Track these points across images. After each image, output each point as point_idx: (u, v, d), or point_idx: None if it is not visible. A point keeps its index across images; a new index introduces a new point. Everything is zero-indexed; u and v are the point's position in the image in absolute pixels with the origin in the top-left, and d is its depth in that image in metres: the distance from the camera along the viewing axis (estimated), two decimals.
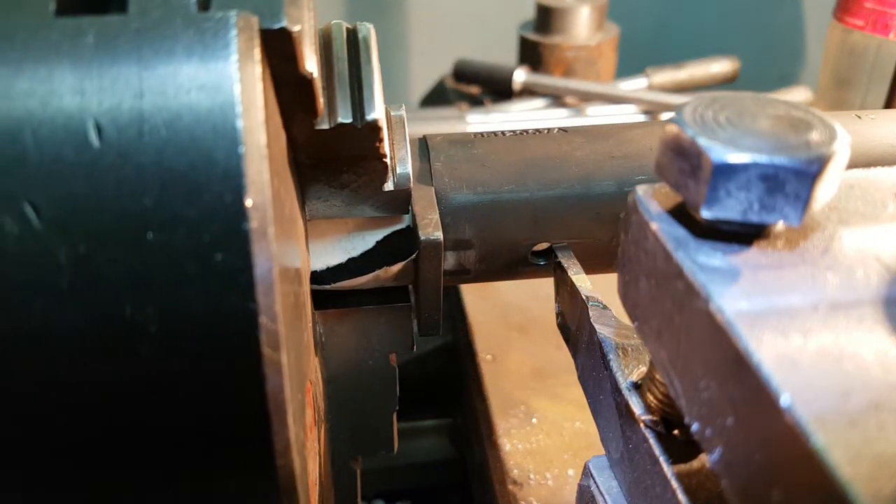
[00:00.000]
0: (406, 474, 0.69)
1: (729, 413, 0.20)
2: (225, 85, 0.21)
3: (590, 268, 0.39)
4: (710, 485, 0.26)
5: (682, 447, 0.27)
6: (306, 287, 0.35)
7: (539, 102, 0.82)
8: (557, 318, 0.38)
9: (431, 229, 0.35)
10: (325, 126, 0.31)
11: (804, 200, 0.21)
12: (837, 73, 0.76)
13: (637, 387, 0.29)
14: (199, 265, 0.21)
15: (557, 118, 0.80)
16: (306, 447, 0.28)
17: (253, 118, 0.21)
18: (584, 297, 0.34)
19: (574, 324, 0.35)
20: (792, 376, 0.18)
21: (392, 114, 0.36)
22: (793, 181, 0.21)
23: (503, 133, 0.40)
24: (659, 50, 1.07)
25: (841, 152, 0.21)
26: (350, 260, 0.37)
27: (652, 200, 0.24)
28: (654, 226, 0.24)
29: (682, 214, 0.24)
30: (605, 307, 0.33)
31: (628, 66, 0.90)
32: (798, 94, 0.85)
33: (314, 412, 0.33)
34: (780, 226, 0.23)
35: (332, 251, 0.37)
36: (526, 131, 0.40)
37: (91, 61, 0.21)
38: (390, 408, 0.41)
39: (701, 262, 0.22)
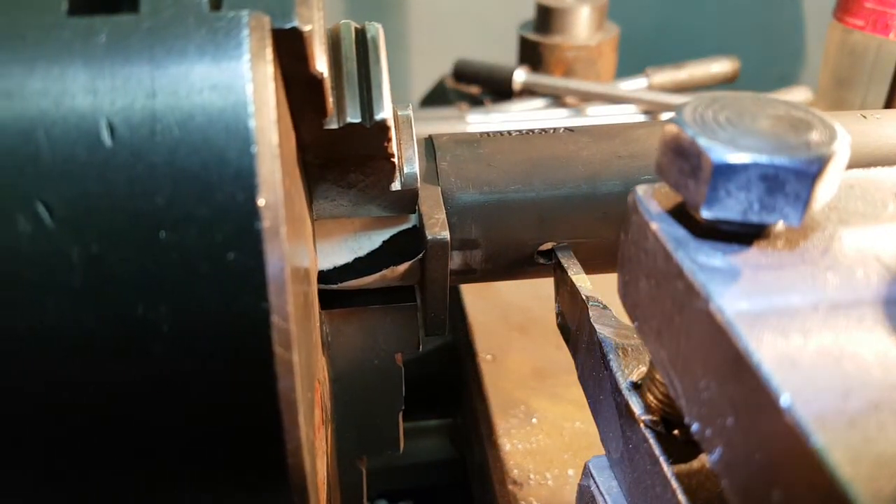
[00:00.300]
0: (406, 474, 0.69)
1: (729, 413, 0.20)
2: (237, 84, 0.21)
3: (596, 267, 0.39)
4: (710, 485, 0.26)
5: (682, 447, 0.27)
6: (314, 286, 0.35)
7: (539, 102, 0.82)
8: (557, 318, 0.38)
9: (438, 229, 0.35)
10: (334, 126, 0.31)
11: (804, 200, 0.21)
12: (837, 73, 0.76)
13: (637, 387, 0.29)
14: (211, 264, 0.21)
15: (557, 118, 0.80)
16: (315, 446, 0.28)
17: (265, 118, 0.21)
18: (584, 297, 0.34)
19: (574, 324, 0.35)
20: (792, 376, 0.18)
21: (399, 113, 0.36)
22: (793, 181, 0.21)
23: (509, 133, 0.40)
24: (659, 50, 1.07)
25: (841, 152, 0.21)
26: (356, 259, 0.37)
27: (652, 200, 0.24)
28: (654, 226, 0.24)
29: (682, 214, 0.24)
30: (605, 307, 0.33)
31: (628, 66, 0.90)
32: (798, 94, 0.85)
33: (322, 411, 0.33)
34: (780, 226, 0.23)
35: (339, 251, 0.37)
36: (532, 131, 0.40)
37: (103, 61, 0.21)
38: (396, 407, 0.41)
39: (701, 262, 0.22)
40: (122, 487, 0.23)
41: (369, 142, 0.32)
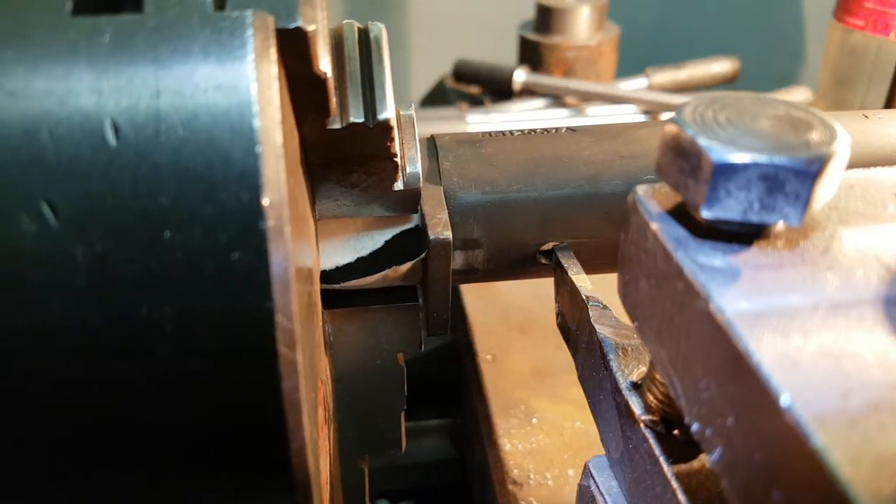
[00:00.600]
0: (406, 474, 0.69)
1: (729, 413, 0.20)
2: (242, 84, 0.21)
3: (598, 267, 0.39)
4: (710, 485, 0.26)
5: (682, 447, 0.27)
6: (317, 286, 0.35)
7: (539, 102, 0.82)
8: (557, 318, 0.38)
9: (441, 229, 0.35)
10: (337, 126, 0.31)
11: (804, 200, 0.21)
12: (837, 73, 0.76)
13: (637, 387, 0.29)
14: (215, 264, 0.21)
15: (557, 118, 0.80)
16: (318, 446, 0.28)
17: (269, 117, 0.21)
18: (584, 297, 0.34)
19: (574, 324, 0.35)
20: (792, 376, 0.18)
21: (402, 113, 0.36)
22: (793, 181, 0.21)
23: (511, 133, 0.40)
24: (659, 50, 1.07)
25: (841, 152, 0.21)
26: (359, 259, 0.37)
27: (652, 200, 0.24)
28: (654, 226, 0.24)
29: (682, 214, 0.24)
30: (605, 307, 0.33)
31: (628, 66, 0.90)
32: (798, 94, 0.85)
33: (325, 411, 0.33)
34: (780, 226, 0.23)
35: (342, 250, 0.37)
36: (534, 131, 0.40)
37: (108, 60, 0.21)
38: (398, 407, 0.41)
39: (701, 262, 0.22)
40: (126, 488, 0.23)
41: (372, 142, 0.32)
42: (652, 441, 0.27)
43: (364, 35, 0.32)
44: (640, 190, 0.25)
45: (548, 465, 0.51)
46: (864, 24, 0.72)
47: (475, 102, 0.85)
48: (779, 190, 0.21)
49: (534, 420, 0.54)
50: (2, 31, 0.21)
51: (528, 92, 0.83)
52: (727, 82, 0.89)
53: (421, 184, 0.35)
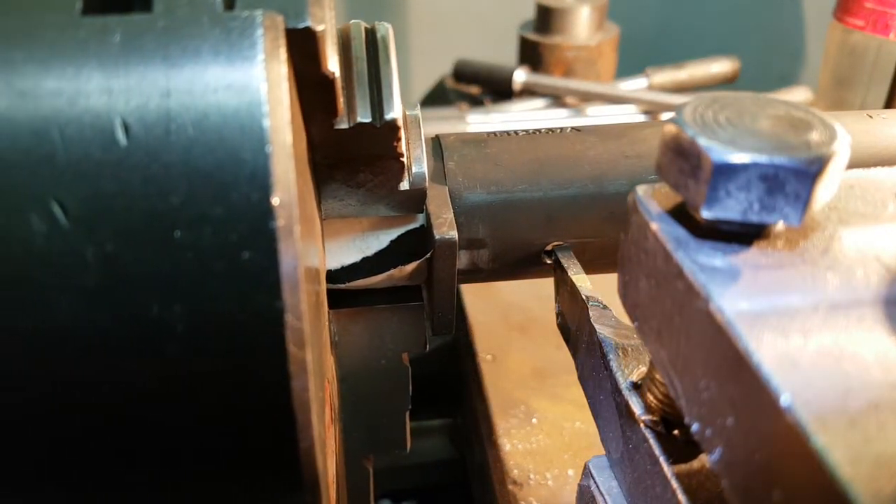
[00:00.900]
0: (406, 475, 0.69)
1: (729, 413, 0.20)
2: (252, 84, 0.21)
3: (603, 267, 0.39)
4: (710, 485, 0.26)
5: (682, 447, 0.27)
6: (324, 286, 0.35)
7: (539, 102, 0.82)
8: (557, 318, 0.38)
9: (446, 229, 0.35)
10: (345, 125, 0.31)
11: (804, 200, 0.21)
12: (837, 73, 0.76)
13: (637, 387, 0.29)
14: (226, 264, 0.21)
15: (558, 118, 0.80)
16: (326, 445, 0.28)
17: (279, 117, 0.21)
18: (584, 297, 0.34)
19: (574, 324, 0.35)
20: (792, 376, 0.18)
21: (408, 113, 0.36)
22: (793, 181, 0.21)
23: (516, 132, 0.40)
24: (659, 50, 1.07)
25: (841, 152, 0.21)
26: (364, 259, 0.37)
27: (652, 200, 0.24)
28: (654, 226, 0.24)
29: (682, 214, 0.24)
30: (605, 307, 0.33)
31: (628, 66, 0.90)
32: (798, 94, 0.85)
33: (331, 411, 0.33)
34: (780, 226, 0.23)
35: (347, 250, 0.37)
36: (539, 131, 0.40)
37: (118, 60, 0.21)
38: (403, 407, 0.41)
39: (701, 262, 0.22)
40: (135, 487, 0.23)
41: (379, 141, 0.32)
42: (652, 441, 0.27)
43: (371, 35, 0.33)
44: (640, 190, 0.25)
45: (548, 465, 0.51)
46: (864, 24, 0.72)
47: (475, 102, 0.85)
48: (779, 190, 0.21)
49: (534, 420, 0.54)
50: (12, 31, 0.21)
51: (528, 92, 0.83)
52: (727, 82, 0.89)
53: (427, 184, 0.35)
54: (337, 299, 0.38)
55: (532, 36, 0.85)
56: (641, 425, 0.28)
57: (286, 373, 0.22)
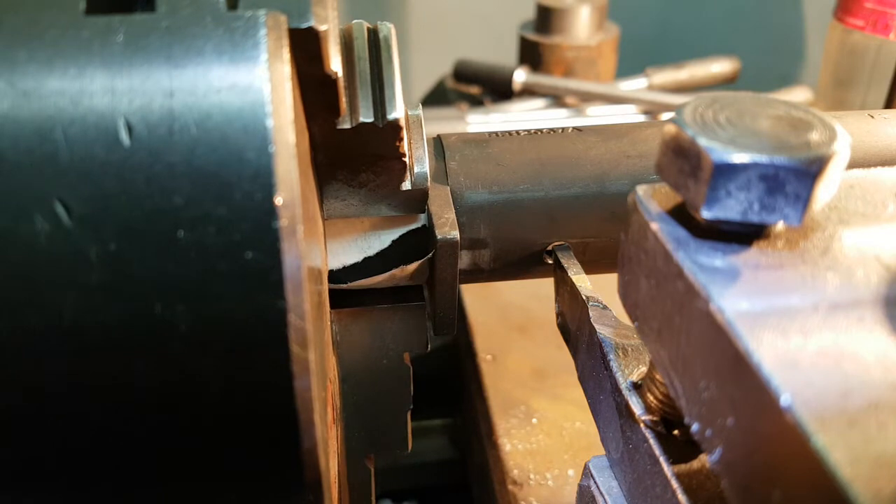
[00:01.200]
0: (406, 475, 0.69)
1: (729, 413, 0.20)
2: (255, 84, 0.21)
3: (604, 267, 0.39)
4: (710, 485, 0.26)
5: (682, 447, 0.27)
6: (326, 286, 0.35)
7: (539, 102, 0.82)
8: (557, 318, 0.38)
9: (448, 229, 0.35)
10: (347, 125, 0.31)
11: (804, 200, 0.21)
12: (837, 73, 0.76)
13: (637, 387, 0.29)
14: (229, 263, 0.21)
15: (558, 118, 0.80)
16: (328, 445, 0.28)
17: (282, 117, 0.22)
18: (584, 297, 0.34)
19: (574, 324, 0.35)
20: (792, 376, 0.18)
21: (409, 113, 0.36)
22: (793, 181, 0.21)
23: (518, 132, 0.40)
24: (659, 50, 1.07)
25: (841, 152, 0.21)
26: (366, 259, 0.37)
27: (652, 200, 0.25)
28: (654, 226, 0.24)
29: (682, 214, 0.24)
30: (605, 307, 0.33)
31: (628, 66, 0.90)
32: (798, 94, 0.85)
33: (333, 411, 0.33)
34: (780, 226, 0.23)
35: (349, 250, 0.37)
36: (540, 131, 0.40)
37: (121, 60, 0.21)
38: (404, 407, 0.41)
39: (701, 262, 0.22)
40: (137, 487, 0.23)
41: (381, 141, 0.32)
42: (652, 441, 0.27)
43: (373, 35, 0.33)
44: (640, 190, 0.25)
45: (548, 466, 0.51)
46: (864, 24, 0.72)
47: (475, 102, 0.85)
48: (779, 190, 0.21)
49: (534, 420, 0.54)
50: (15, 31, 0.21)
51: (528, 92, 0.83)
52: (727, 82, 0.89)
53: (429, 184, 0.35)
54: (339, 299, 0.38)
55: (532, 36, 0.85)
56: (641, 425, 0.28)
57: (289, 373, 0.22)
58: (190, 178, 0.21)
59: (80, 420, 0.22)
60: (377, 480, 0.44)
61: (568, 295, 0.36)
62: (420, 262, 0.36)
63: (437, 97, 0.91)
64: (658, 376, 0.27)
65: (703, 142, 0.21)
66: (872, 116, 0.41)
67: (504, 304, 0.65)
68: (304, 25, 0.24)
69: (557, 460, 0.51)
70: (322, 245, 0.34)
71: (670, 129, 0.23)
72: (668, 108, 0.79)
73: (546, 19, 0.84)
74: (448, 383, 0.70)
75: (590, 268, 0.38)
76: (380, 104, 0.31)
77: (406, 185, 0.35)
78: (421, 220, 0.37)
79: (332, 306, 0.38)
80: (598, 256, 0.39)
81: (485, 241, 0.38)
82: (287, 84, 0.22)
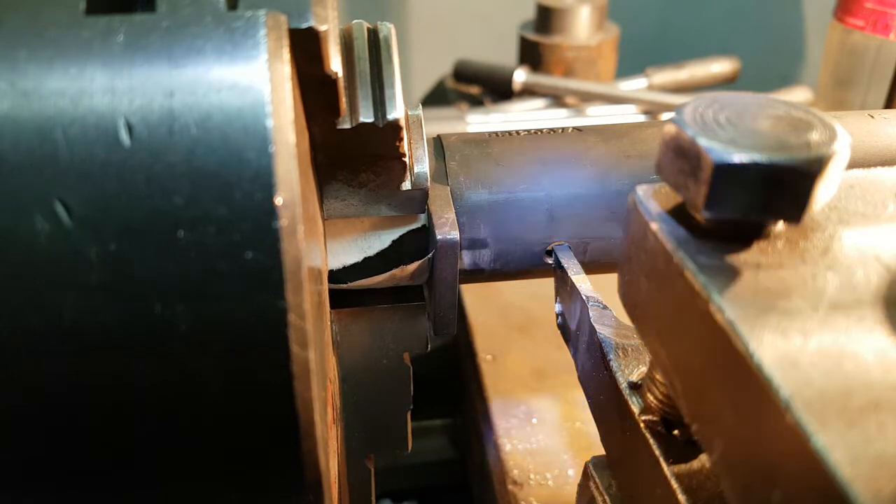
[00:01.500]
0: (406, 475, 0.69)
1: (729, 413, 0.20)
2: (255, 84, 0.21)
3: (605, 267, 0.39)
4: (710, 485, 0.26)
5: (682, 447, 0.27)
6: (326, 286, 0.35)
7: (539, 102, 0.82)
8: (557, 318, 0.38)
9: (448, 229, 0.35)
10: (347, 125, 0.31)
11: (804, 200, 0.21)
12: (837, 73, 0.76)
13: (637, 387, 0.29)
14: (229, 263, 0.21)
15: (557, 118, 0.80)
16: (328, 445, 0.28)
17: (282, 117, 0.22)
18: (584, 297, 0.34)
19: (574, 324, 0.35)
20: (792, 376, 0.18)
21: (409, 113, 0.36)
22: (793, 181, 0.21)
23: (518, 132, 0.40)
24: (659, 50, 1.07)
25: (841, 152, 0.21)
26: (366, 259, 0.37)
27: (652, 200, 0.25)
28: (654, 226, 0.24)
29: (682, 214, 0.24)
30: (605, 307, 0.33)
31: (628, 66, 0.90)
32: (798, 94, 0.85)
33: (333, 410, 0.33)
34: (780, 226, 0.23)
35: (349, 250, 0.37)
36: (541, 131, 0.40)
37: (122, 60, 0.21)
38: (404, 407, 0.41)
39: (701, 262, 0.22)
40: (138, 487, 0.23)
41: (381, 141, 0.32)
42: (652, 441, 0.27)
43: (373, 35, 0.33)
44: (640, 190, 0.25)
45: (548, 465, 0.51)
46: (864, 24, 0.72)
47: (475, 102, 0.85)
48: (779, 190, 0.21)
49: (534, 420, 0.54)
50: (15, 31, 0.21)
51: (528, 92, 0.83)
52: (727, 82, 0.89)
53: (429, 184, 0.35)
54: (339, 299, 0.38)
55: (532, 36, 0.85)
56: (641, 425, 0.28)
57: (289, 373, 0.22)
58: (190, 178, 0.21)
59: (81, 420, 0.22)
60: (377, 480, 0.44)
61: (568, 295, 0.36)
62: (420, 262, 0.36)
63: (437, 97, 0.91)
64: (658, 376, 0.27)
65: (703, 142, 0.21)
66: (872, 116, 0.41)
67: (504, 304, 0.65)
68: (304, 25, 0.24)
69: (557, 460, 0.51)
70: (322, 245, 0.34)
71: (670, 129, 0.23)
72: (668, 108, 0.79)
73: (546, 19, 0.84)
74: (448, 383, 0.70)
75: (590, 268, 0.38)
76: (380, 104, 0.31)
77: (406, 185, 0.35)
78: (421, 220, 0.37)
79: (332, 306, 0.38)
80: (598, 256, 0.39)
81: (485, 241, 0.38)
82: (287, 84, 0.22)
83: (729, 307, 0.20)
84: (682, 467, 0.26)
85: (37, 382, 0.21)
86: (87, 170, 0.20)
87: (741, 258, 0.22)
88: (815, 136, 0.22)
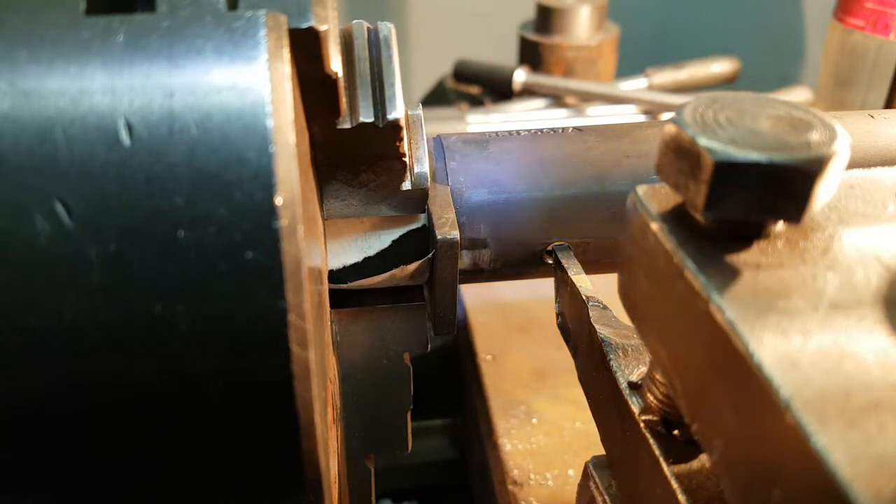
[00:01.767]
0: (406, 474, 0.69)
1: (729, 413, 0.20)
2: (255, 84, 0.21)
3: (605, 267, 0.39)
4: (710, 485, 0.26)
5: (682, 447, 0.27)
6: (326, 286, 0.35)
7: (539, 102, 0.82)
8: (557, 318, 0.38)
9: (448, 229, 0.35)
10: (347, 125, 0.31)
11: (804, 200, 0.21)
12: (838, 73, 0.76)
13: (637, 387, 0.29)
14: (229, 263, 0.21)
15: (558, 118, 0.80)
16: (328, 445, 0.28)
17: (282, 117, 0.22)
18: (584, 297, 0.34)
19: (574, 324, 0.35)
20: (792, 376, 0.18)
21: (409, 113, 0.36)
22: (793, 181, 0.21)
23: (518, 132, 0.40)
24: (659, 50, 1.07)
25: (841, 152, 0.21)
26: (366, 259, 0.37)
27: (652, 200, 0.25)
28: (654, 226, 0.24)
29: (682, 214, 0.24)
30: (605, 307, 0.33)
31: (628, 66, 0.90)
32: (798, 94, 0.85)
33: (333, 410, 0.33)
34: (780, 226, 0.23)
35: (349, 250, 0.37)
36: (541, 131, 0.40)
37: (122, 60, 0.21)
38: (404, 407, 0.41)
39: (701, 262, 0.22)
40: (137, 487, 0.23)
41: (381, 141, 0.32)
42: (652, 441, 0.27)
43: (374, 35, 0.33)
44: (640, 190, 0.25)
45: (548, 465, 0.51)
46: (864, 24, 0.72)
47: (475, 102, 0.85)
48: (779, 190, 0.21)
49: (534, 420, 0.54)
50: (15, 31, 0.21)
51: (528, 92, 0.83)
52: (727, 82, 0.89)
53: (429, 184, 0.35)
54: (339, 299, 0.38)
55: (532, 36, 0.85)
56: (641, 425, 0.28)
57: (289, 373, 0.22)
58: (190, 179, 0.21)
59: (80, 420, 0.22)
60: (377, 480, 0.44)
61: (568, 295, 0.36)
62: (420, 262, 0.36)
63: (437, 97, 0.91)
64: (658, 376, 0.27)
65: (703, 142, 0.21)
66: (872, 116, 0.41)
67: (504, 304, 0.65)
68: (304, 25, 0.24)
69: (557, 460, 0.51)
70: (322, 245, 0.34)
71: (670, 129, 0.23)
72: (668, 108, 0.79)
73: (546, 19, 0.84)
74: (448, 383, 0.70)
75: (590, 268, 0.38)
76: (380, 104, 0.31)
77: (406, 185, 0.35)
78: (421, 220, 0.37)
79: (332, 306, 0.38)
80: (598, 256, 0.39)
81: (485, 241, 0.38)
82: (287, 84, 0.22)
83: (729, 307, 0.20)
84: (682, 467, 0.26)
85: (37, 382, 0.21)
86: (87, 170, 0.20)
87: (741, 258, 0.22)
88: (815, 136, 0.22)
